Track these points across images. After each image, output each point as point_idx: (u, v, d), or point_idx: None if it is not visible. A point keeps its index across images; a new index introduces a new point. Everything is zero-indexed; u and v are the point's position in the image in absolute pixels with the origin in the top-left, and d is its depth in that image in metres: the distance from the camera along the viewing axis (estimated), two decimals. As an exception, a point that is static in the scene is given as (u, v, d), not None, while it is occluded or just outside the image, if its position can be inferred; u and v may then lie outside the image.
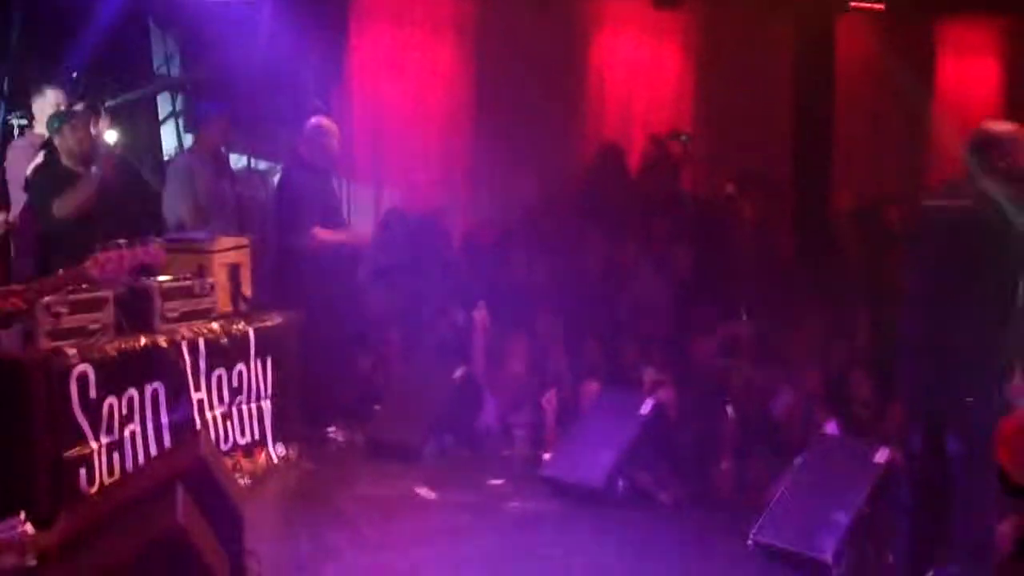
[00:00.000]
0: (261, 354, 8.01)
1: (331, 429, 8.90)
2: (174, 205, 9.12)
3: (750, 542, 6.65)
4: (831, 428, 7.64)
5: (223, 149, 9.70)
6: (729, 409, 7.94)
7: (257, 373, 8.00)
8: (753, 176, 12.33)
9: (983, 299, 5.75)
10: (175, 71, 10.65)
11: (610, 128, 12.91)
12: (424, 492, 7.77)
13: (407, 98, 12.34)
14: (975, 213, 5.74)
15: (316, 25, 9.54)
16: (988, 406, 5.68)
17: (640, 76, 13.23)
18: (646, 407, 7.81)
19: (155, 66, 10.48)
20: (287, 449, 8.22)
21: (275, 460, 8.11)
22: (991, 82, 14.40)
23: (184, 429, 7.23)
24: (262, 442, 8.06)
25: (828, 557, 6.33)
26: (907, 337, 6.09)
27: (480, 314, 9.39)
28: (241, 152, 10.53)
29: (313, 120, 8.93)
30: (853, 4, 12.77)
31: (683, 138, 12.35)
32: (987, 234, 5.71)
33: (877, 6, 13.13)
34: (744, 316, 9.29)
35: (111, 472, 6.75)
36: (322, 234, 8.66)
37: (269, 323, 8.13)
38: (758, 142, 13.23)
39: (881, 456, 6.60)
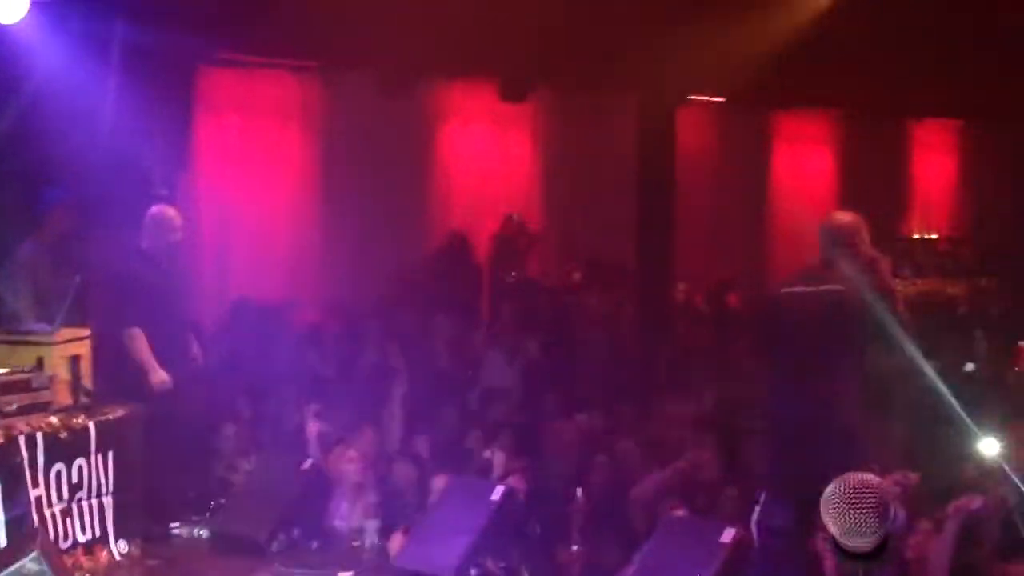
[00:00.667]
0: (102, 448, 7.78)
1: (175, 524, 8.68)
2: (13, 297, 8.88)
3: (602, 627, 6.65)
4: (680, 512, 7.72)
5: (68, 237, 9.51)
6: (579, 492, 7.97)
7: (98, 468, 7.77)
8: (599, 264, 12.54)
9: (851, 376, 6.03)
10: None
11: (458, 218, 13.01)
12: (270, 588, 7.62)
13: (254, 186, 12.28)
14: (842, 296, 5.97)
15: (161, 112, 9.45)
16: None
17: (487, 166, 13.39)
18: (496, 493, 7.80)
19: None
20: (129, 546, 7.97)
21: (117, 557, 7.86)
22: (825, 171, 14.91)
23: (21, 526, 6.98)
24: (103, 539, 7.81)
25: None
26: (777, 417, 6.28)
27: (312, 410, 9.34)
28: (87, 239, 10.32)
29: (155, 210, 8.81)
30: (693, 97, 13.14)
31: (513, 217, 12.54)
32: (856, 316, 5.96)
33: (716, 99, 13.53)
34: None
35: (-58, 574, 6.47)
36: (137, 341, 8.47)
37: (111, 416, 7.92)
38: (604, 231, 13.47)
39: (727, 536, 6.69)
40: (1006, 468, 6.33)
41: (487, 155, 13.41)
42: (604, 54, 11.00)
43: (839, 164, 14.79)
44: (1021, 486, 6.09)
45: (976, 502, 5.96)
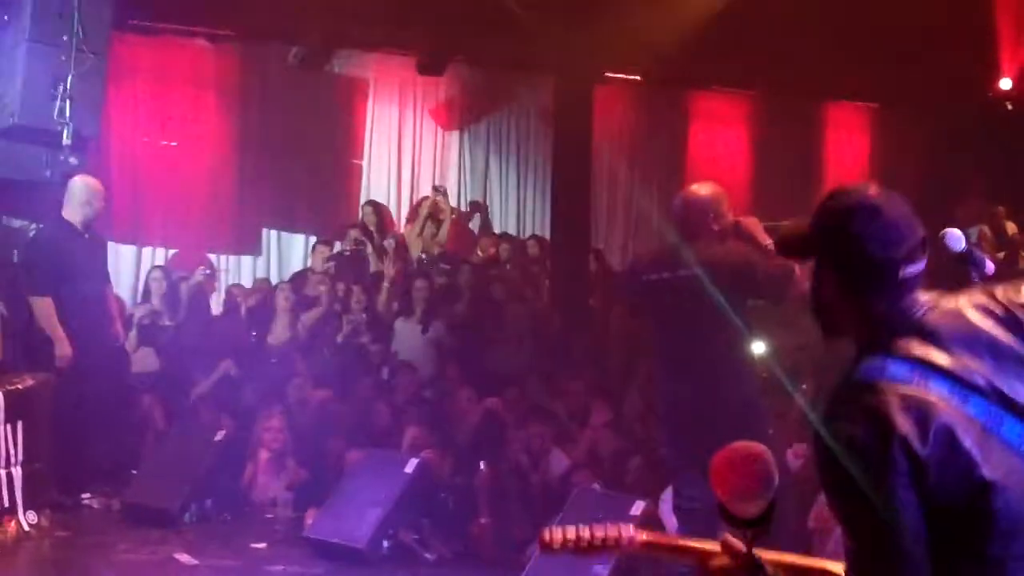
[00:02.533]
0: (11, 418, 7.72)
1: (86, 495, 8.63)
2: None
3: (511, 598, 6.73)
4: (592, 485, 7.82)
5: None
6: (482, 465, 8.04)
7: (7, 438, 7.71)
8: (515, 239, 12.60)
9: (730, 352, 5.90)
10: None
11: (375, 191, 13.00)
12: (184, 558, 7.59)
13: (169, 155, 12.17)
14: (695, 281, 5.79)
15: (73, 79, 9.32)
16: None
17: (406, 139, 13.38)
18: (410, 466, 7.85)
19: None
20: (39, 517, 7.92)
21: (26, 528, 7.81)
22: (741, 151, 15.08)
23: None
24: (12, 510, 7.76)
25: (587, 610, 6.46)
26: (665, 401, 6.23)
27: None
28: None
29: (78, 179, 8.75)
30: (610, 74, 13.22)
31: (440, 190, 12.56)
32: (715, 298, 5.75)
33: (633, 77, 13.62)
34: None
35: None
36: (46, 309, 8.40)
37: (20, 386, 7.86)
38: (520, 205, 13.53)
39: (636, 508, 6.79)
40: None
41: (405, 128, 13.40)
42: (522, 30, 11.05)
43: (754, 144, 14.96)
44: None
45: None
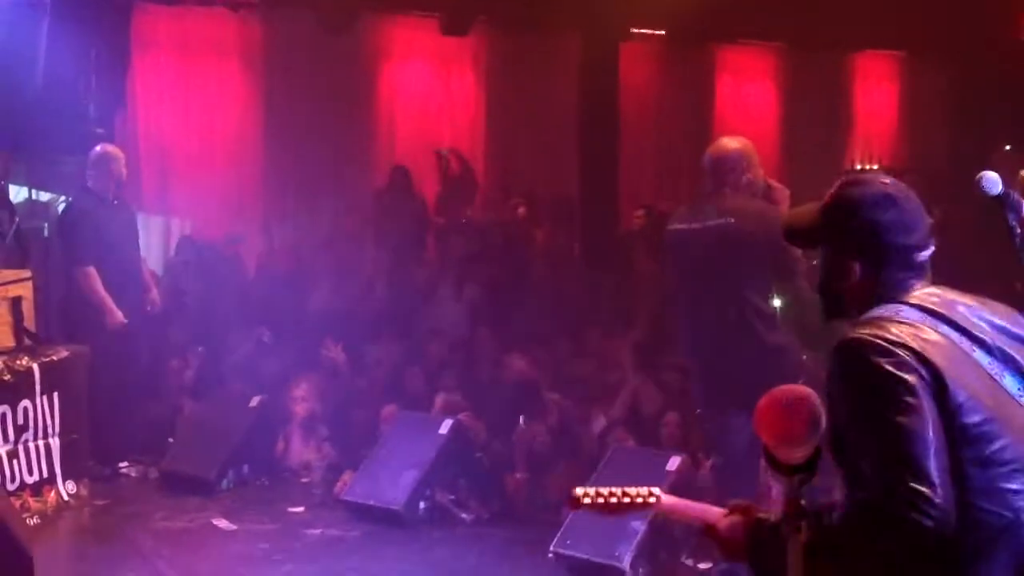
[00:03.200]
0: (47, 390, 7.76)
1: (124, 464, 8.69)
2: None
3: (551, 554, 6.74)
4: (628, 443, 7.81)
5: (1, 181, 9.42)
6: (521, 420, 8.04)
7: (44, 409, 7.74)
8: (543, 199, 12.54)
9: (758, 301, 5.91)
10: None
11: (401, 154, 12.96)
12: (223, 524, 7.64)
13: (194, 124, 12.17)
14: (728, 229, 5.85)
15: (97, 51, 9.32)
16: None
17: (431, 102, 13.34)
18: (445, 427, 7.86)
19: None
20: (78, 486, 7.97)
21: (66, 498, 7.86)
22: (769, 104, 14.97)
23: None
24: (51, 480, 7.80)
25: (625, 565, 6.46)
26: (690, 351, 6.27)
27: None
28: (23, 183, 10.22)
29: (98, 148, 8.75)
30: (635, 31, 13.12)
31: (443, 152, 12.51)
32: (746, 248, 5.83)
33: (658, 32, 13.52)
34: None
35: None
36: (91, 279, 8.43)
37: (55, 357, 7.89)
38: (547, 165, 13.47)
39: (672, 464, 6.78)
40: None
41: (430, 91, 13.34)
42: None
43: (782, 96, 14.84)
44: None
45: None
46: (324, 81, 12.49)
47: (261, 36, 12.44)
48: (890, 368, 2.54)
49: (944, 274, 2.94)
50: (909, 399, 2.51)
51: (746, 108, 14.71)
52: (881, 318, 2.68)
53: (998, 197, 3.72)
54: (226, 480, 8.39)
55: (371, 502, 7.64)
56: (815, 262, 2.93)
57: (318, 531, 7.49)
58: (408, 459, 7.70)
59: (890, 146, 15.63)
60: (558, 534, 6.76)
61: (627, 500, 2.83)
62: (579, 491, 2.93)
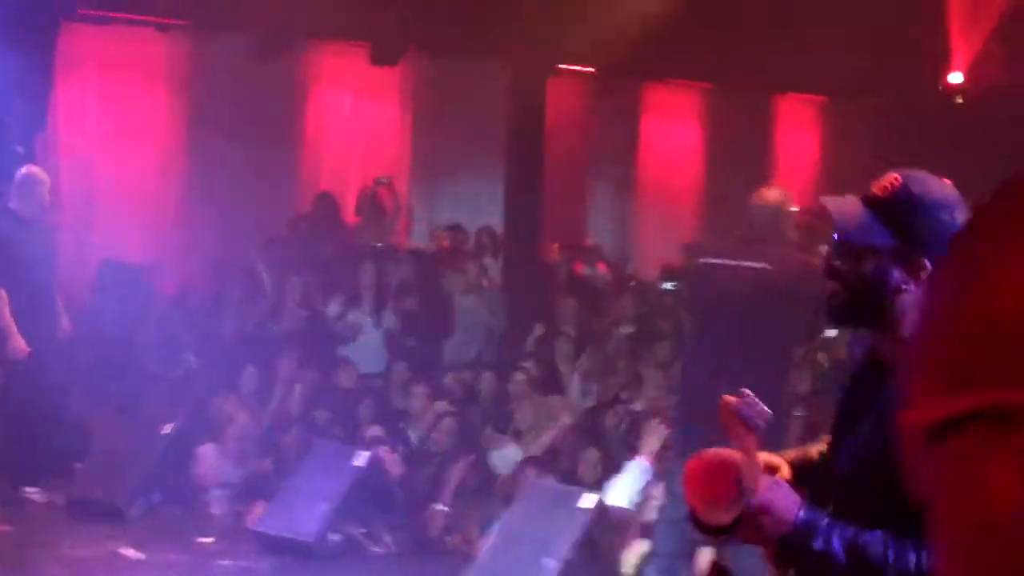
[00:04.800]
0: (-46, 412, 7.61)
1: (30, 489, 8.53)
2: None
3: (461, 591, 6.72)
4: (544, 479, 7.81)
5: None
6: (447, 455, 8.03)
7: (-51, 432, 7.59)
8: (467, 230, 12.54)
9: (772, 360, 5.83)
10: None
11: (327, 181, 12.92)
12: (130, 553, 7.53)
13: (117, 146, 12.04)
14: (769, 275, 5.79)
15: (19, 69, 9.22)
16: None
17: (358, 130, 13.31)
18: (360, 459, 7.81)
19: None
20: (-19, 512, 7.82)
21: (-31, 523, 7.71)
22: (694, 144, 15.11)
23: None
24: (-45, 505, 7.65)
25: (536, 604, 6.46)
26: (689, 388, 6.18)
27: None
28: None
29: (24, 170, 8.68)
30: (564, 67, 13.20)
31: (383, 181, 12.48)
32: (782, 296, 5.76)
33: (587, 69, 13.61)
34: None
35: None
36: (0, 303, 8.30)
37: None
38: (472, 196, 13.49)
39: (586, 502, 6.80)
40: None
41: (357, 119, 13.32)
42: (476, 20, 11.00)
43: (707, 137, 15.00)
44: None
45: None
46: (251, 106, 12.42)
47: (189, 58, 12.35)
48: None
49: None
50: None
51: (670, 147, 14.84)
52: None
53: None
54: (136, 508, 8.27)
55: (282, 534, 7.57)
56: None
57: (227, 563, 7.41)
58: (321, 490, 7.64)
59: (811, 190, 15.85)
60: (469, 571, 6.74)
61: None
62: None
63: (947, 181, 2.74)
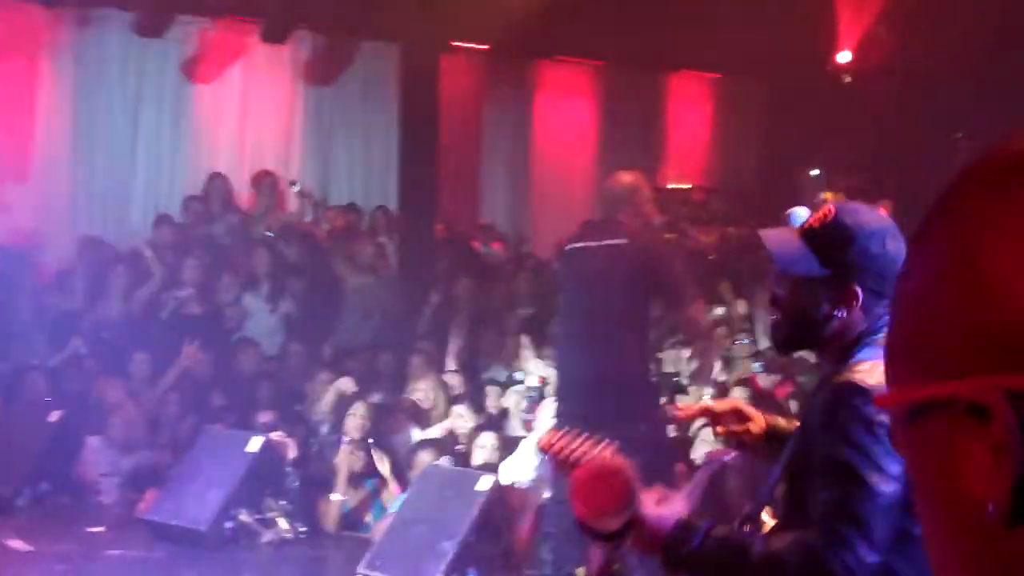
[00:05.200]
0: None
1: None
2: None
3: (359, 575, 6.65)
4: (440, 461, 7.78)
5: None
6: (344, 439, 7.94)
7: None
8: (360, 210, 12.43)
9: (635, 328, 6.32)
10: None
11: (217, 160, 12.70)
12: (18, 545, 7.33)
13: (1, 126, 11.72)
14: (623, 249, 6.26)
15: None
16: (661, 428, 6.46)
17: (247, 108, 13.09)
18: (253, 444, 7.70)
19: None
20: None
21: None
22: (587, 120, 15.13)
23: None
24: None
25: (434, 588, 6.42)
26: (562, 368, 6.65)
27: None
28: None
29: None
30: (457, 43, 13.11)
31: (295, 187, 12.33)
32: (637, 268, 6.25)
33: (481, 46, 13.54)
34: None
35: None
36: None
37: None
38: (365, 176, 13.37)
39: (484, 484, 6.77)
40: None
41: (246, 97, 13.10)
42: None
43: (599, 114, 15.01)
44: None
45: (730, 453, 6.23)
46: (137, 84, 12.17)
47: (74, 36, 12.04)
48: (882, 427, 2.54)
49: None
50: (891, 462, 2.55)
51: (563, 125, 14.84)
52: (877, 366, 2.62)
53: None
54: (23, 498, 8.07)
55: (174, 522, 7.43)
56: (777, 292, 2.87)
57: (118, 552, 7.25)
58: (214, 477, 7.51)
59: (701, 166, 15.96)
60: (366, 555, 6.68)
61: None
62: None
63: (882, 210, 3.00)
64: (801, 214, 3.79)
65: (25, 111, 11.85)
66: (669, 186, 14.32)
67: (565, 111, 14.90)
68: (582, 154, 14.45)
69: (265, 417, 8.38)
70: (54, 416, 8.41)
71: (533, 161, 14.51)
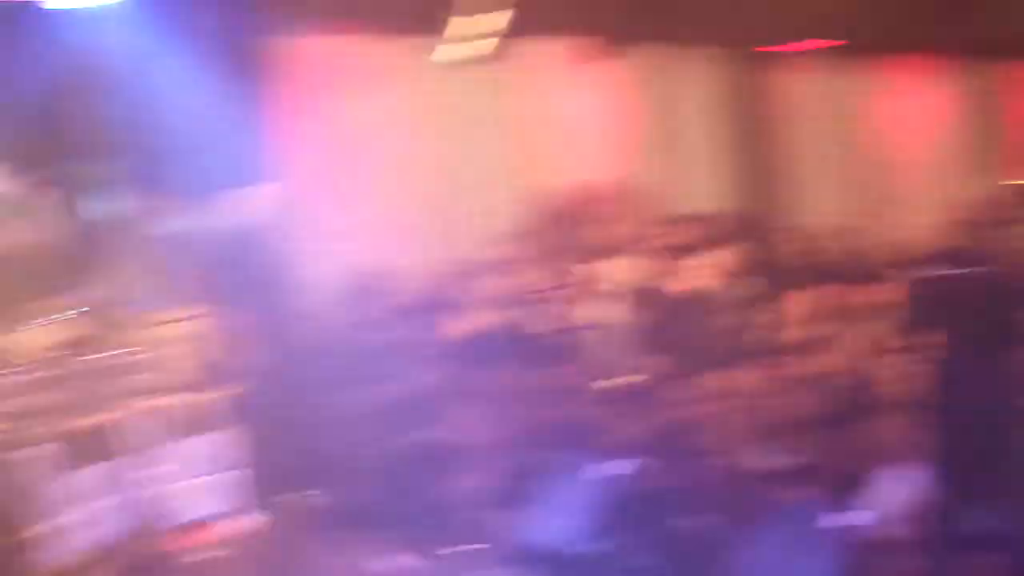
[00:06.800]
0: None
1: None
2: None
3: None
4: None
5: None
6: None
7: None
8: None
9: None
10: None
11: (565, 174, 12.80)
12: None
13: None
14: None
15: None
16: None
17: (589, 122, 13.18)
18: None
19: None
20: None
21: None
22: (927, 116, 14.74)
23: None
24: None
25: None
26: (949, 399, 6.28)
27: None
28: None
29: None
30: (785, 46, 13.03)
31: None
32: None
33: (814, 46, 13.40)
34: None
35: None
36: None
37: None
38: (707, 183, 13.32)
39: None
40: None
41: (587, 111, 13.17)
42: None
43: (940, 109, 14.55)
44: None
45: None
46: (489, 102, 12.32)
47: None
48: None
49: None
50: None
51: (904, 120, 14.49)
52: None
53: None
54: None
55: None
56: None
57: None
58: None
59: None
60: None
61: None
62: None
63: None
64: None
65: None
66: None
67: (905, 106, 14.55)
68: (926, 150, 14.17)
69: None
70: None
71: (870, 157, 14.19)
